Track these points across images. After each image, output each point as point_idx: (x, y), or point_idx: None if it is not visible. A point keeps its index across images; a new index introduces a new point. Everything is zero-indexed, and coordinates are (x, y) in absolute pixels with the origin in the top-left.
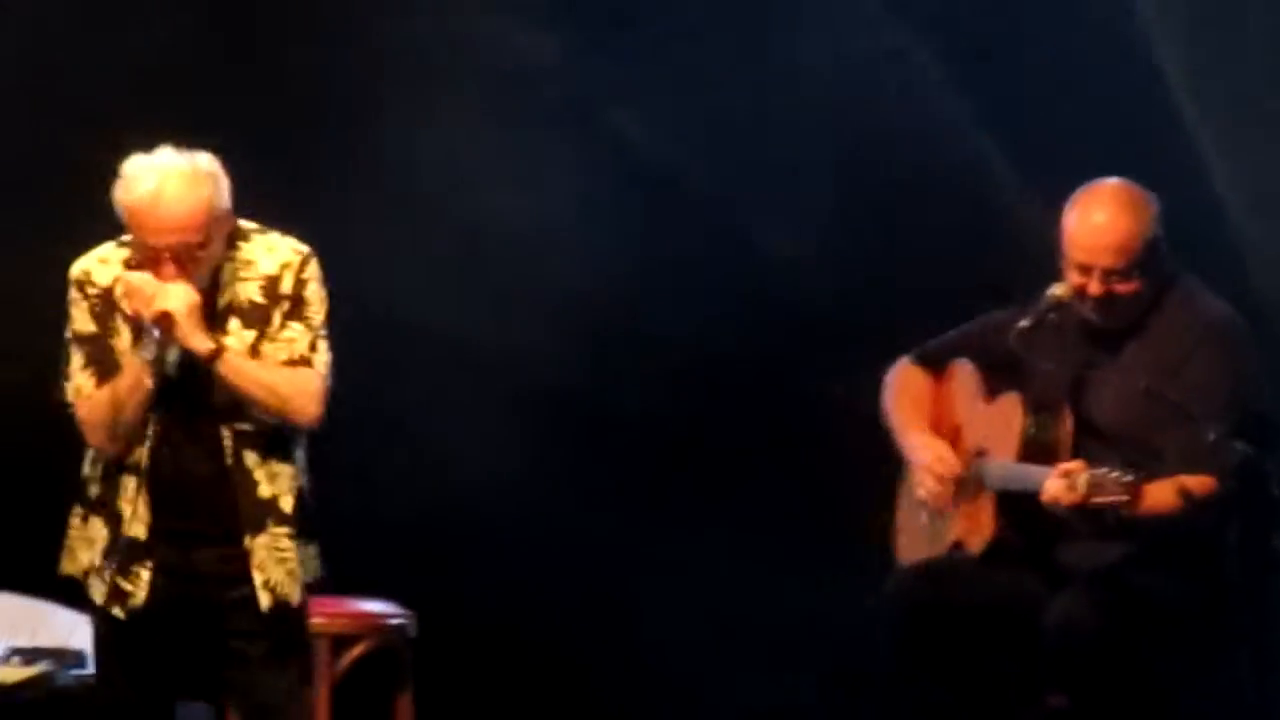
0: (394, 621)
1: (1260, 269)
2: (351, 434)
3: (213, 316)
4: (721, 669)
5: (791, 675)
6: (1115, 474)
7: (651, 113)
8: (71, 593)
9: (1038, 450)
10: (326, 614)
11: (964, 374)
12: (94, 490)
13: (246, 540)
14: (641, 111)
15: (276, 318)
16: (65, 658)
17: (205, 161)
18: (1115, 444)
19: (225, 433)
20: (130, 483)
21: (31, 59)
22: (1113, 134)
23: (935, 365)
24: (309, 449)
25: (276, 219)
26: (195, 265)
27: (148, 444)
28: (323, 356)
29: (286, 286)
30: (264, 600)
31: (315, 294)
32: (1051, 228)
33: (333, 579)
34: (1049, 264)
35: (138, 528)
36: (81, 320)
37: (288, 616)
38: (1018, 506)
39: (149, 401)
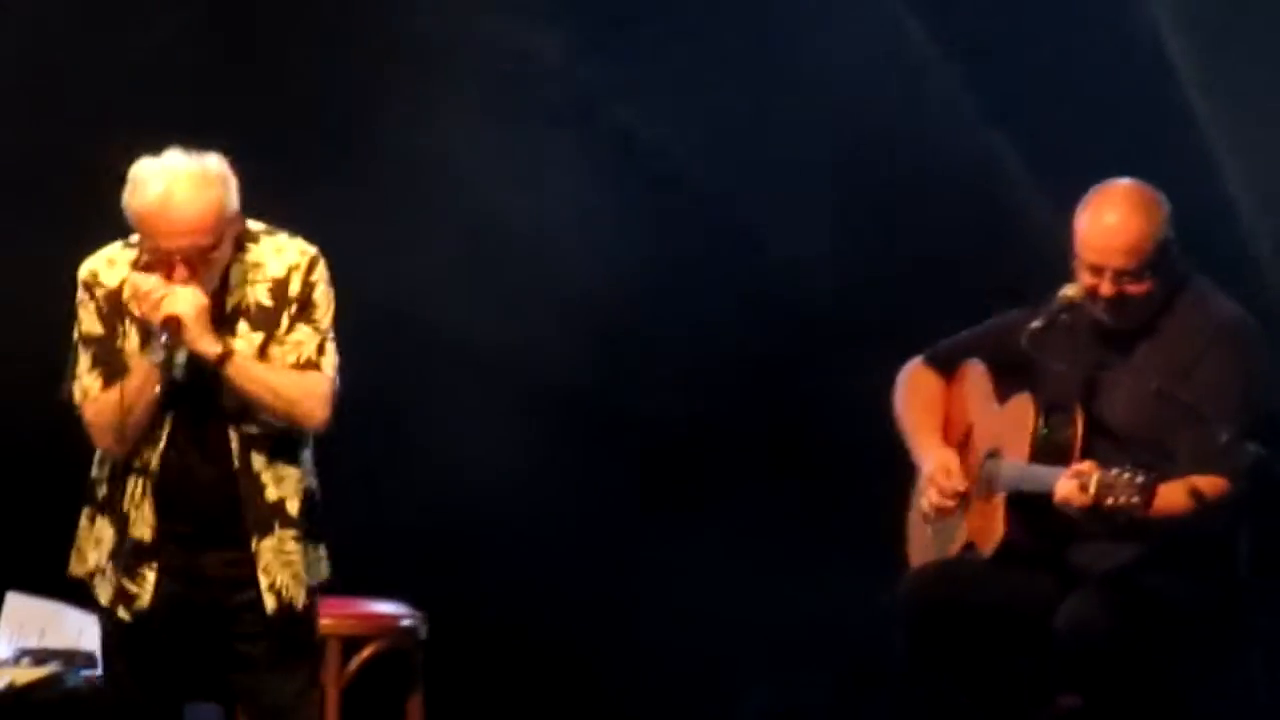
0: (404, 623)
1: (1272, 269)
2: (361, 435)
3: (221, 319)
4: (732, 669)
5: (803, 675)
6: (1127, 475)
7: (659, 112)
8: (81, 594)
9: (1049, 451)
10: (337, 615)
11: (975, 375)
12: (102, 491)
13: (253, 543)
14: (649, 111)
15: (284, 320)
16: (75, 659)
17: (214, 163)
18: (1127, 445)
19: (232, 435)
20: (137, 485)
21: (31, 59)
22: (1124, 134)
23: (947, 366)
24: (316, 450)
25: (281, 220)
26: (205, 268)
27: (159, 446)
28: (330, 359)
29: (294, 289)
30: (269, 603)
31: (323, 296)
32: (1063, 228)
33: (343, 580)
34: (1061, 265)
35: (144, 530)
36: (89, 321)
37: (294, 619)
38: (1029, 507)
39: (157, 404)
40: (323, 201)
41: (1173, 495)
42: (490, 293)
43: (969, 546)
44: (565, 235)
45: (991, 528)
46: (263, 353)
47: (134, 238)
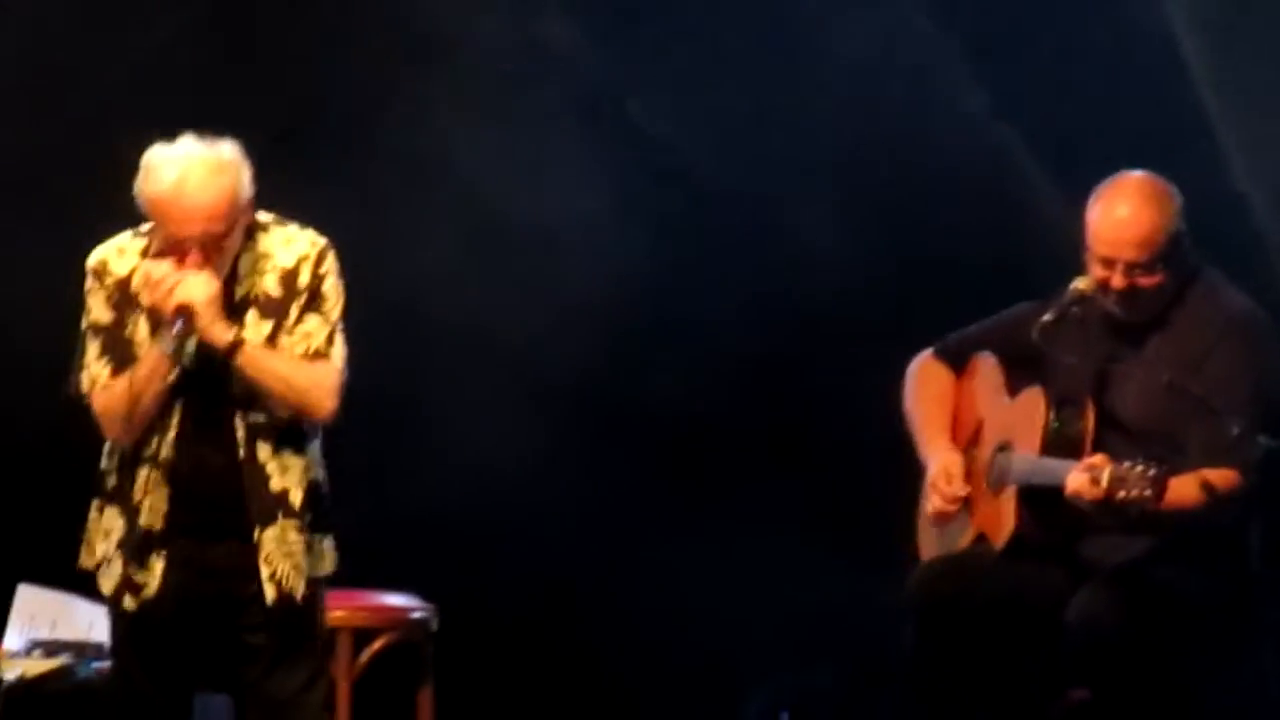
0: (415, 615)
1: None
2: (372, 428)
3: (230, 308)
4: (739, 662)
5: (814, 667)
6: (1138, 468)
7: (672, 107)
8: (92, 586)
9: (1060, 444)
10: (348, 608)
11: (986, 368)
12: (111, 482)
13: (256, 533)
14: (663, 106)
15: (294, 311)
16: (86, 650)
17: (228, 150)
18: (1138, 438)
19: (239, 424)
20: (147, 475)
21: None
22: (1135, 127)
23: (957, 359)
24: (328, 444)
25: (288, 216)
26: (218, 255)
27: (168, 435)
28: (339, 350)
29: (304, 279)
30: (270, 593)
31: (333, 287)
32: (1074, 221)
33: (354, 573)
34: (1072, 258)
35: (154, 519)
36: (98, 309)
37: (295, 610)
38: (1040, 500)
39: (166, 392)
40: (328, 197)
41: (1184, 488)
42: (498, 288)
43: (980, 539)
44: (583, 229)
45: (1002, 521)
46: (271, 343)
47: (144, 227)
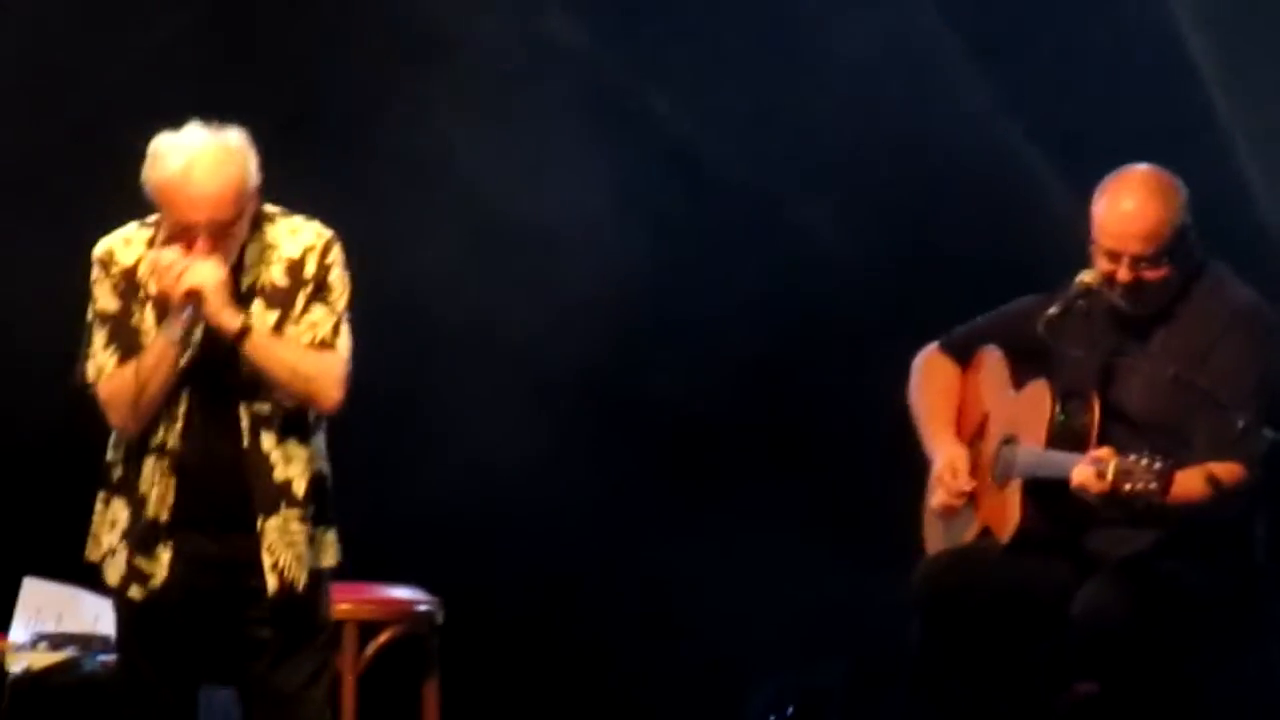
0: (421, 608)
1: None
2: (377, 424)
3: (236, 298)
4: (749, 655)
5: (820, 660)
6: (1144, 461)
7: (674, 102)
8: (97, 579)
9: (1066, 437)
10: (353, 601)
11: (992, 361)
12: (117, 474)
13: (259, 522)
14: (665, 101)
15: (300, 300)
16: (92, 643)
17: (235, 137)
18: (1144, 431)
19: (243, 414)
20: (153, 465)
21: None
22: (1141, 120)
23: (963, 352)
24: (334, 438)
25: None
26: (226, 242)
27: (175, 425)
28: (345, 341)
29: (310, 269)
30: (271, 583)
31: (339, 278)
32: (1079, 218)
33: (359, 566)
34: (1076, 256)
35: (161, 509)
36: (104, 298)
37: (297, 602)
38: (1046, 493)
39: (172, 381)
40: (330, 196)
41: (1190, 481)
42: (500, 287)
43: (985, 533)
44: (573, 230)
45: (1008, 514)
46: (278, 332)
47: (150, 218)
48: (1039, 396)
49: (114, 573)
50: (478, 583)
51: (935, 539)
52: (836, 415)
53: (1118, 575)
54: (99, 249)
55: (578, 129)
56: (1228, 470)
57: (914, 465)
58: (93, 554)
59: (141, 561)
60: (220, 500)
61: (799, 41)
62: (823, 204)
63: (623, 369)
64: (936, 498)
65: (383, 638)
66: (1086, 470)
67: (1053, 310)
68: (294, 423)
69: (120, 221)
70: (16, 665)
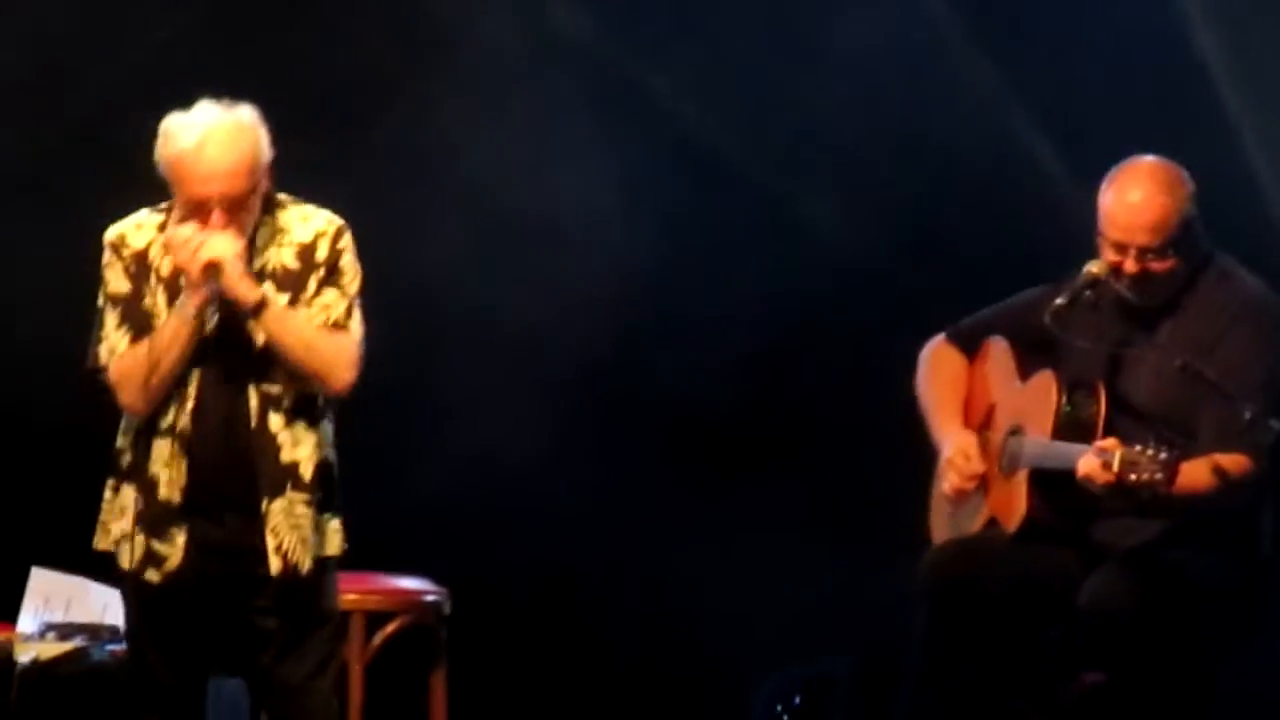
0: (428, 598)
1: None
2: (386, 411)
3: None
4: (753, 647)
5: (822, 657)
6: (1150, 452)
7: (682, 95)
8: (106, 568)
9: (1072, 428)
10: (361, 591)
11: (999, 352)
12: (126, 459)
13: (264, 504)
14: (668, 99)
15: (312, 284)
16: (100, 633)
17: (247, 113)
18: (1150, 422)
19: (252, 394)
20: (164, 447)
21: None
22: (1148, 112)
23: (970, 343)
24: (343, 427)
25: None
26: (241, 216)
27: (186, 406)
28: (357, 324)
29: (322, 254)
30: (274, 565)
31: (350, 264)
32: (1084, 210)
33: (367, 556)
34: (1080, 251)
35: (172, 491)
36: (116, 281)
37: (301, 588)
38: (1052, 484)
39: (184, 359)
40: (336, 190)
41: (1196, 472)
42: (505, 280)
43: (992, 523)
44: (578, 224)
45: (1014, 505)
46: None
47: (161, 204)
48: (1045, 387)
49: (129, 557)
50: (484, 574)
51: (941, 528)
52: (839, 410)
53: (1124, 566)
54: (110, 233)
55: (581, 124)
56: (1234, 461)
57: (917, 461)
58: (101, 543)
59: (156, 545)
60: (229, 483)
61: (802, 37)
62: (826, 200)
63: (626, 363)
64: (949, 482)
65: (390, 628)
66: (1093, 461)
67: (1060, 301)
68: (303, 405)
69: (121, 218)
70: (25, 655)
